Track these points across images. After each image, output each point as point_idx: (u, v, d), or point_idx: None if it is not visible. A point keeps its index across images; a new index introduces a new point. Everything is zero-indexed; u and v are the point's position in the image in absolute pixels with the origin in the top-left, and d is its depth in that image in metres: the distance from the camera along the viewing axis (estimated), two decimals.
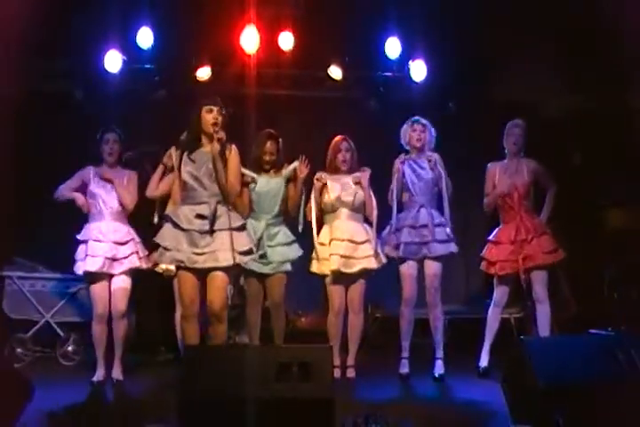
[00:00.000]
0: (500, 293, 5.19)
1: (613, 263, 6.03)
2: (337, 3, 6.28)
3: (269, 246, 4.92)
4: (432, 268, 5.03)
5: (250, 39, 6.18)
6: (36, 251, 6.14)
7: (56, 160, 6.26)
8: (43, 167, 6.40)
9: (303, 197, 5.07)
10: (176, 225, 4.21)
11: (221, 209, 4.21)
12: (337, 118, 6.63)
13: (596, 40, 5.94)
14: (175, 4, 6.34)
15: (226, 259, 4.14)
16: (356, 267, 4.94)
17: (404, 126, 5.18)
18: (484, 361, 5.15)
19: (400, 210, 5.10)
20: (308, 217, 5.06)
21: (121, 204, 4.96)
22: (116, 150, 4.99)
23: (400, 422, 3.77)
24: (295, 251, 5.03)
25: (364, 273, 5.00)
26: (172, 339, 5.22)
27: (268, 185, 4.98)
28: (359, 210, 5.08)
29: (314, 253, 5.04)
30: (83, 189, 5.02)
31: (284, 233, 5.02)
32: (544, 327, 5.04)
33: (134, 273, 4.99)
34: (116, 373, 4.94)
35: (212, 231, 4.16)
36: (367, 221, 5.10)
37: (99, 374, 4.89)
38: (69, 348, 5.61)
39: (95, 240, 4.87)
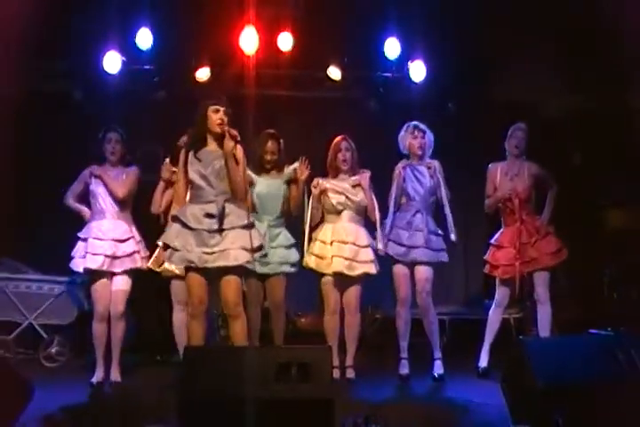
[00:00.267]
0: (502, 293, 5.19)
1: (613, 263, 6.04)
2: (336, 3, 6.28)
3: (271, 247, 4.92)
4: (422, 272, 5.02)
5: (249, 40, 6.17)
6: (22, 251, 6.13)
7: (56, 160, 6.28)
8: (43, 167, 6.42)
9: (306, 197, 5.08)
10: (184, 225, 4.19)
11: (230, 207, 4.20)
12: (336, 119, 6.63)
13: (596, 40, 5.95)
14: (174, 4, 6.33)
15: (236, 257, 4.13)
16: (358, 270, 4.94)
17: (402, 133, 5.15)
18: (483, 361, 5.16)
19: (396, 211, 5.10)
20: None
21: (114, 198, 4.94)
22: (119, 150, 4.99)
23: (400, 423, 3.78)
24: (295, 254, 5.03)
25: (364, 277, 5.00)
26: (170, 339, 5.22)
27: (269, 187, 4.98)
28: (361, 213, 5.08)
29: (311, 249, 5.03)
30: (87, 190, 5.03)
31: (284, 235, 5.02)
32: (545, 328, 5.04)
33: (134, 273, 4.98)
34: (115, 374, 4.93)
35: (221, 230, 4.16)
36: (368, 223, 5.10)
37: (98, 375, 4.89)
38: (53, 350, 5.58)
39: (95, 238, 4.87)
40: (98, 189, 4.96)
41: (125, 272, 4.91)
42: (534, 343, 3.76)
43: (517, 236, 5.07)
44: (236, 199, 4.24)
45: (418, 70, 6.51)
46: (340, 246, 4.95)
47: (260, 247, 4.30)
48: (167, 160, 4.96)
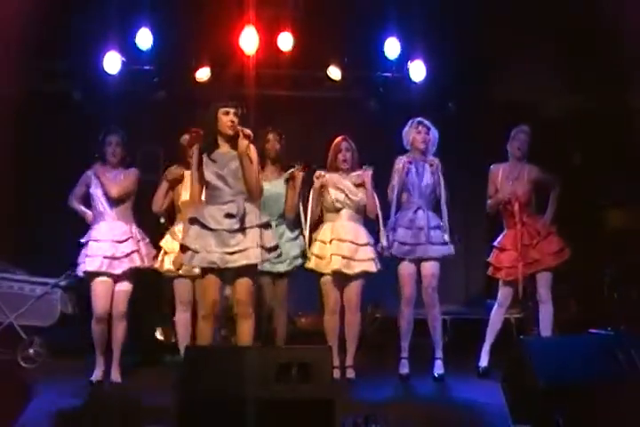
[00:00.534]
0: (504, 294, 5.20)
1: (613, 263, 6.04)
2: (336, 3, 6.28)
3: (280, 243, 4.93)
4: (429, 268, 5.03)
5: (249, 40, 6.17)
6: (16, 251, 6.09)
7: (56, 160, 6.28)
8: (43, 167, 6.42)
9: (301, 200, 5.08)
10: (203, 226, 4.20)
11: (248, 207, 4.22)
12: (336, 119, 6.63)
13: (596, 40, 5.95)
14: (174, 5, 6.34)
15: (256, 256, 4.17)
16: (356, 269, 4.94)
17: (407, 128, 5.16)
18: (483, 361, 5.16)
19: (398, 210, 5.11)
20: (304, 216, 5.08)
21: (110, 198, 4.93)
22: (119, 152, 4.97)
23: (400, 423, 3.78)
24: (301, 245, 5.08)
25: (363, 275, 5.00)
26: (171, 339, 5.23)
27: (270, 190, 4.98)
28: (360, 211, 5.08)
29: (311, 250, 5.04)
30: (88, 192, 5.03)
31: (289, 230, 5.06)
32: (546, 328, 5.05)
33: (135, 274, 4.98)
34: (115, 375, 4.93)
35: (242, 229, 4.17)
36: (367, 222, 5.10)
37: (97, 374, 4.89)
38: (31, 351, 5.53)
39: (93, 240, 4.88)
40: (96, 191, 4.96)
41: (126, 273, 4.90)
42: (535, 343, 3.75)
43: (518, 238, 5.08)
44: (252, 198, 4.26)
45: (418, 70, 6.51)
46: (339, 245, 4.95)
47: (276, 247, 4.34)
48: (175, 166, 4.98)
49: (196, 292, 4.89)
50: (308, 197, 5.09)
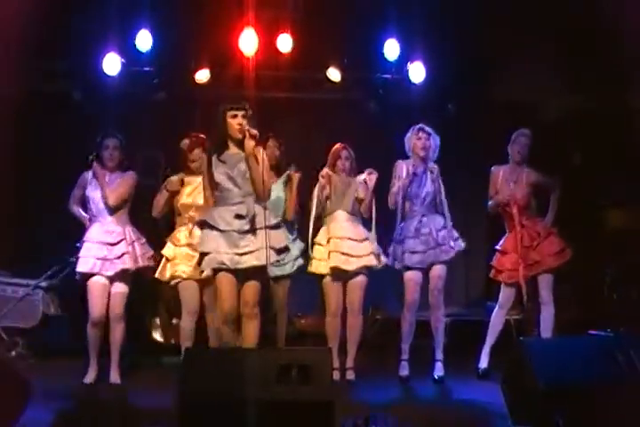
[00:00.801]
0: (505, 296, 5.21)
1: (613, 263, 6.04)
2: (335, 5, 6.27)
3: None
4: (436, 270, 5.03)
5: (248, 41, 6.16)
6: (7, 251, 6.06)
7: (56, 160, 6.28)
8: (43, 167, 6.42)
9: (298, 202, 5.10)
10: (213, 228, 4.20)
11: (257, 208, 4.22)
12: (336, 120, 6.64)
13: (596, 40, 5.95)
14: (174, 6, 6.33)
15: (266, 257, 4.16)
16: (355, 265, 4.94)
17: (409, 134, 5.15)
18: (483, 363, 5.16)
19: (402, 219, 5.10)
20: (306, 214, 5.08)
21: (105, 202, 4.92)
22: (117, 156, 4.95)
23: (400, 424, 3.78)
24: (300, 246, 5.10)
25: (363, 272, 4.99)
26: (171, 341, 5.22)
27: (272, 190, 4.99)
28: (357, 213, 5.10)
29: (312, 254, 5.05)
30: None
31: (288, 232, 5.02)
32: (547, 329, 5.06)
33: (133, 277, 4.96)
34: (114, 377, 4.91)
35: (252, 230, 4.17)
36: (367, 222, 5.11)
37: (90, 376, 4.87)
38: (13, 353, 5.53)
39: (87, 242, 4.88)
40: (92, 193, 4.95)
41: (119, 274, 4.88)
42: (535, 345, 3.76)
43: (519, 240, 5.10)
44: (259, 199, 4.25)
45: (417, 71, 6.50)
46: (337, 242, 4.97)
47: (286, 248, 4.35)
48: (178, 176, 4.95)
49: (205, 295, 4.87)
50: (309, 195, 5.09)
